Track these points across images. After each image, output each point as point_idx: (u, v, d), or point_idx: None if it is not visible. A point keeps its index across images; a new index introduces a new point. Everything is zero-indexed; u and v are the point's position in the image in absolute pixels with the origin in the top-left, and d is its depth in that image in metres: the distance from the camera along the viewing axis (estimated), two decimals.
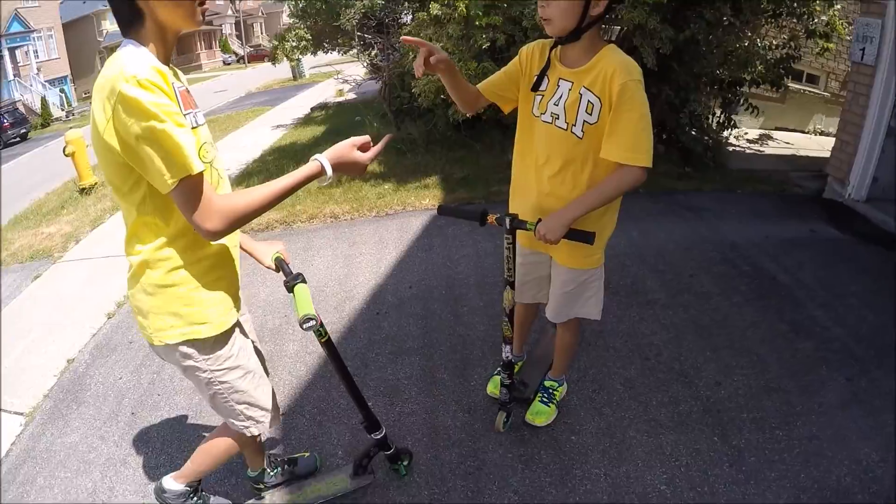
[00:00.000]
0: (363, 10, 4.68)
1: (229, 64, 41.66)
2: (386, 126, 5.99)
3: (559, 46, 1.55)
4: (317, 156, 1.22)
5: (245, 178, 5.83)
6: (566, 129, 1.55)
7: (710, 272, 3.26)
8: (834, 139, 7.48)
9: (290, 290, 1.37)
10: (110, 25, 32.62)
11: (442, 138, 5.55)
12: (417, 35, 4.34)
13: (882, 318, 2.77)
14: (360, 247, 3.87)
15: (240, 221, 1.12)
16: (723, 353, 2.52)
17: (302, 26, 5.53)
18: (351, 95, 7.30)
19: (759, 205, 4.47)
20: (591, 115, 1.50)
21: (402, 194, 4.61)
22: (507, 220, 1.64)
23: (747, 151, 6.30)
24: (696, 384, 2.33)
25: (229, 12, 45.97)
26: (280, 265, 1.55)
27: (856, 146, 4.71)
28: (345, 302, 3.20)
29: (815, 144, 7.18)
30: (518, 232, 1.69)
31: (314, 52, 6.06)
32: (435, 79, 4.08)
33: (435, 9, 4.13)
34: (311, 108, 10.15)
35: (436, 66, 1.47)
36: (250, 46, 42.24)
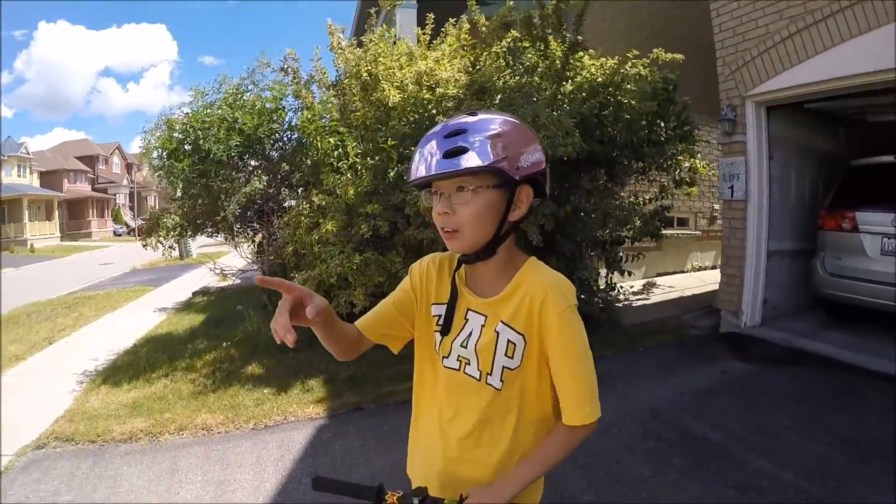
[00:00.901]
0: (245, 198, 4.42)
1: (119, 235, 40.02)
2: (266, 318, 5.55)
3: (463, 266, 1.15)
4: None
5: (112, 373, 5.00)
6: (479, 380, 1.13)
7: (636, 452, 2.94)
8: (711, 271, 8.40)
9: None
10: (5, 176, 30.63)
11: None
12: (297, 224, 4.08)
13: (823, 442, 2.70)
14: (234, 470, 3.17)
15: None
16: None
17: (178, 210, 5.18)
18: (235, 280, 6.93)
19: (664, 357, 4.44)
20: (511, 358, 1.11)
21: (283, 400, 4.06)
22: (416, 502, 1.09)
23: (636, 304, 6.48)
24: None
25: (125, 182, 45.45)
26: None
27: (742, 278, 4.97)
28: None
29: (695, 281, 7.71)
30: None
31: (193, 236, 5.70)
32: (315, 273, 3.77)
33: (317, 197, 3.93)
34: (193, 293, 9.59)
35: (311, 321, 0.98)
36: (142, 219, 41.24)
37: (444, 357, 1.16)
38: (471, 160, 0.98)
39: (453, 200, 1.02)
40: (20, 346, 6.20)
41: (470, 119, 1.03)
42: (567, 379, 1.09)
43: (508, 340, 1.09)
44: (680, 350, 4.60)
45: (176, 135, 4.68)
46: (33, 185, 33.91)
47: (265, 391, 4.24)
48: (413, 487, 1.13)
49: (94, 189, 41.34)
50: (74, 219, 37.61)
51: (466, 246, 1.06)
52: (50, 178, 36.53)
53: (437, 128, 1.04)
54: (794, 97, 4.68)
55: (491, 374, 1.12)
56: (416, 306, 1.21)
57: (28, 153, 34.40)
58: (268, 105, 4.53)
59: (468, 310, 1.14)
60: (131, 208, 42.92)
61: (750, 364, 4.13)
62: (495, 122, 1.03)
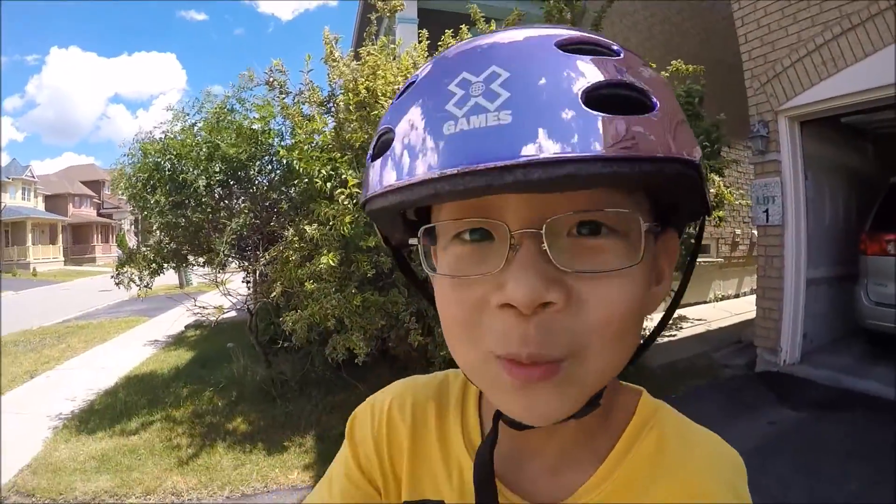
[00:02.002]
0: (234, 234, 3.98)
1: (115, 265, 39.94)
2: (255, 361, 5.11)
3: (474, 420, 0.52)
4: None
5: (87, 416, 4.65)
6: None
7: None
8: (735, 300, 7.95)
9: None
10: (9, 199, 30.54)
11: (318, 379, 4.68)
12: (286, 260, 3.61)
13: None
14: None
15: None
16: None
17: (149, 250, 4.73)
18: (232, 313, 6.60)
19: (701, 407, 3.97)
20: None
21: (266, 463, 3.58)
22: None
23: (662, 341, 6.01)
24: None
25: (129, 207, 45.56)
26: None
27: (780, 310, 4.52)
28: None
29: (720, 312, 7.25)
30: None
31: (177, 267, 5.29)
32: (307, 314, 3.30)
33: (310, 227, 3.48)
34: (186, 326, 9.22)
35: None
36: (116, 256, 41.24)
37: None
38: (656, 141, 0.33)
39: (562, 262, 0.35)
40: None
41: (602, 37, 0.39)
42: None
43: None
44: (717, 396, 4.14)
45: (151, 160, 4.27)
46: (38, 209, 33.94)
47: (248, 448, 3.78)
48: None
49: (99, 214, 41.48)
50: (78, 243, 37.64)
51: (580, 399, 0.39)
52: (55, 202, 36.63)
53: (515, 31, 0.37)
54: (832, 110, 4.28)
55: None
56: None
57: (33, 176, 34.53)
58: (255, 126, 4.12)
59: None
60: (136, 234, 42.89)
61: (797, 411, 3.68)
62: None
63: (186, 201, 4.04)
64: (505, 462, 0.46)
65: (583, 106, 0.31)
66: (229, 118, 4.26)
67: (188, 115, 4.30)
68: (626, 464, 0.45)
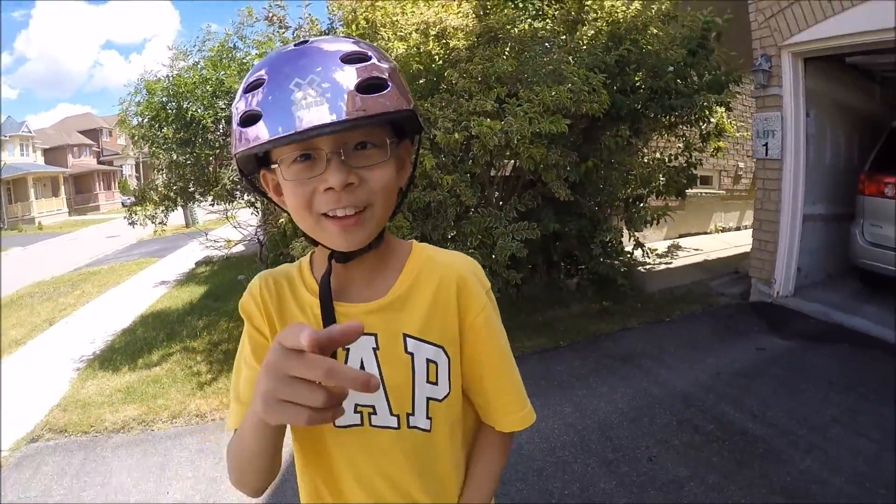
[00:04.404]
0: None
1: (127, 206, 39.88)
2: None
3: (311, 270, 0.82)
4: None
5: (109, 355, 4.83)
6: (398, 427, 0.78)
7: (671, 447, 2.63)
8: (735, 233, 8.02)
9: None
10: (8, 156, 30.34)
11: None
12: None
13: (873, 439, 2.47)
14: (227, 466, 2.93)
15: None
16: None
17: (165, 182, 4.82)
18: (240, 247, 6.67)
19: (695, 331, 4.13)
20: (436, 384, 0.78)
21: None
22: None
23: (659, 268, 6.12)
24: None
25: (130, 152, 45.09)
26: None
27: (776, 243, 4.61)
28: None
29: (719, 243, 7.31)
30: None
31: (185, 205, 5.38)
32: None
33: None
34: (196, 263, 9.37)
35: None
36: (125, 197, 40.94)
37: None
38: (394, 100, 0.66)
39: (353, 163, 0.66)
40: (21, 330, 6.13)
41: (349, 40, 0.70)
42: (502, 381, 0.84)
43: (428, 360, 0.77)
44: (710, 321, 4.28)
45: (157, 99, 4.29)
46: (37, 163, 33.65)
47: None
48: None
49: (99, 162, 41.05)
50: (81, 193, 37.48)
51: (373, 232, 0.72)
52: (54, 154, 36.24)
53: (307, 47, 0.67)
54: (835, 48, 4.19)
55: (414, 414, 0.77)
56: None
57: (30, 131, 34.03)
58: (256, 62, 4.11)
59: None
60: (138, 178, 42.62)
61: (786, 340, 3.82)
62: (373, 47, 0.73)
63: (193, 139, 4.09)
64: (337, 288, 0.76)
65: (356, 93, 0.62)
66: (231, 54, 4.24)
67: (190, 53, 4.28)
68: (413, 271, 0.79)
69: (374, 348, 0.75)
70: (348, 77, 0.63)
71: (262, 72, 0.65)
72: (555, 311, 4.69)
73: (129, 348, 4.92)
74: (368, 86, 0.64)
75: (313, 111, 0.60)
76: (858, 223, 4.49)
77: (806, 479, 2.29)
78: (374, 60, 0.66)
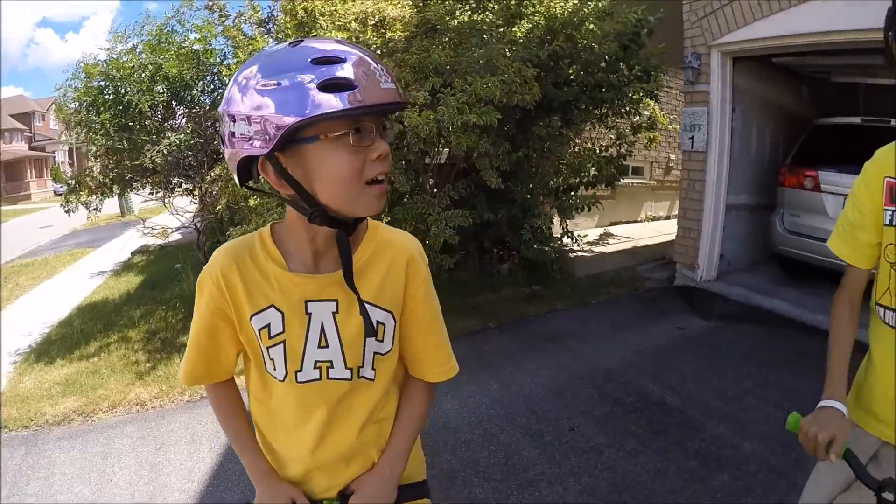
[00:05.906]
0: (170, 148, 3.98)
1: (60, 194, 37.61)
2: None
3: (271, 241, 0.93)
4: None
5: (46, 348, 4.71)
6: (351, 378, 0.93)
7: (592, 418, 2.84)
8: (665, 221, 8.42)
9: None
10: None
11: None
12: (230, 176, 3.71)
13: (783, 407, 2.56)
14: (168, 450, 2.96)
15: None
16: None
17: (102, 168, 4.68)
18: (176, 236, 6.52)
19: (619, 312, 4.36)
20: (382, 341, 0.94)
21: None
22: None
23: (590, 255, 6.38)
24: None
25: (63, 138, 42.53)
26: None
27: (699, 230, 4.90)
28: None
29: (649, 231, 7.69)
30: None
31: (121, 193, 5.23)
32: (251, 228, 3.46)
33: None
34: (132, 253, 9.13)
35: None
36: (57, 183, 38.80)
37: (296, 372, 0.91)
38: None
39: (385, 139, 0.82)
40: None
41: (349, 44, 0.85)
42: (433, 338, 1.01)
43: (378, 322, 0.92)
44: (635, 304, 4.53)
45: (95, 83, 4.16)
46: None
47: None
48: None
49: (31, 148, 38.59)
50: (12, 181, 35.18)
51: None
52: None
53: (349, 47, 0.79)
54: (762, 49, 4.49)
55: (363, 367, 0.94)
56: (237, 328, 0.93)
57: None
58: (195, 47, 4.03)
59: (306, 301, 0.89)
60: (71, 165, 40.29)
61: (707, 321, 4.09)
62: None
63: (130, 124, 4.00)
64: (303, 261, 0.90)
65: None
66: (169, 38, 4.15)
67: (128, 36, 4.16)
68: (369, 246, 0.92)
69: (333, 312, 0.90)
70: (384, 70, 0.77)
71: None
72: (486, 295, 4.84)
73: (67, 340, 4.82)
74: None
75: (391, 89, 0.75)
76: (779, 212, 4.78)
77: (718, 444, 2.49)
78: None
